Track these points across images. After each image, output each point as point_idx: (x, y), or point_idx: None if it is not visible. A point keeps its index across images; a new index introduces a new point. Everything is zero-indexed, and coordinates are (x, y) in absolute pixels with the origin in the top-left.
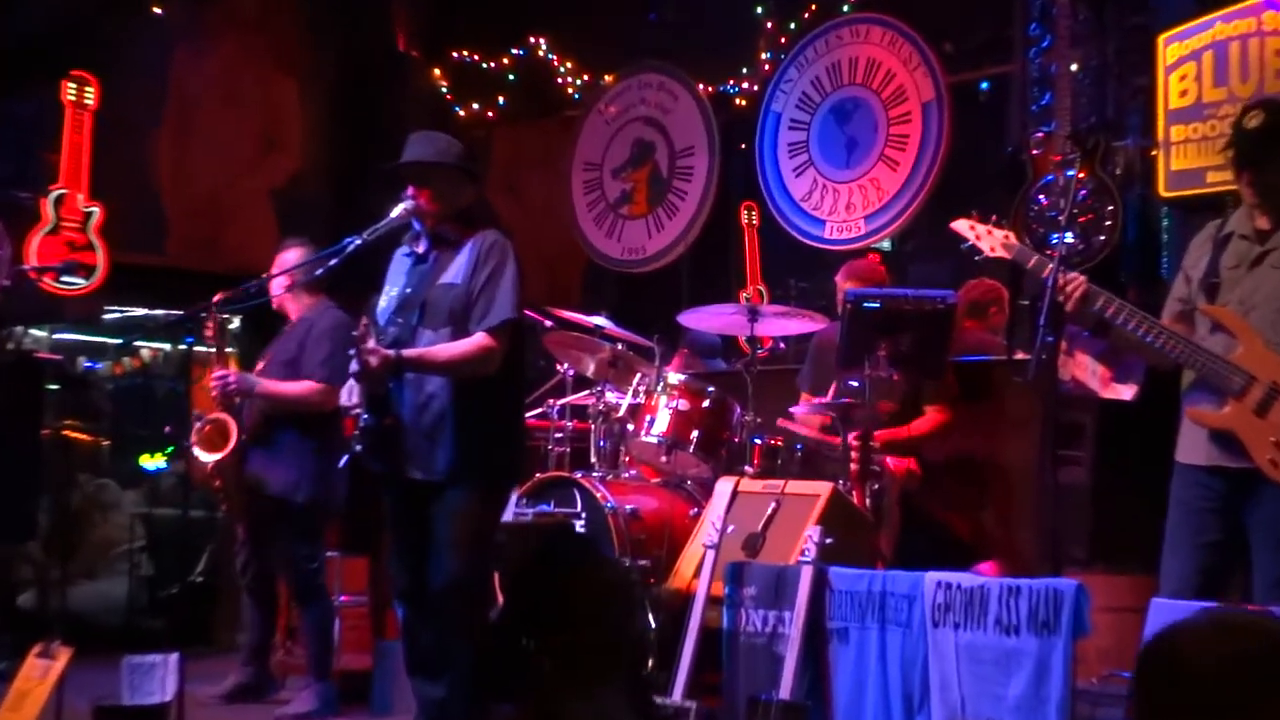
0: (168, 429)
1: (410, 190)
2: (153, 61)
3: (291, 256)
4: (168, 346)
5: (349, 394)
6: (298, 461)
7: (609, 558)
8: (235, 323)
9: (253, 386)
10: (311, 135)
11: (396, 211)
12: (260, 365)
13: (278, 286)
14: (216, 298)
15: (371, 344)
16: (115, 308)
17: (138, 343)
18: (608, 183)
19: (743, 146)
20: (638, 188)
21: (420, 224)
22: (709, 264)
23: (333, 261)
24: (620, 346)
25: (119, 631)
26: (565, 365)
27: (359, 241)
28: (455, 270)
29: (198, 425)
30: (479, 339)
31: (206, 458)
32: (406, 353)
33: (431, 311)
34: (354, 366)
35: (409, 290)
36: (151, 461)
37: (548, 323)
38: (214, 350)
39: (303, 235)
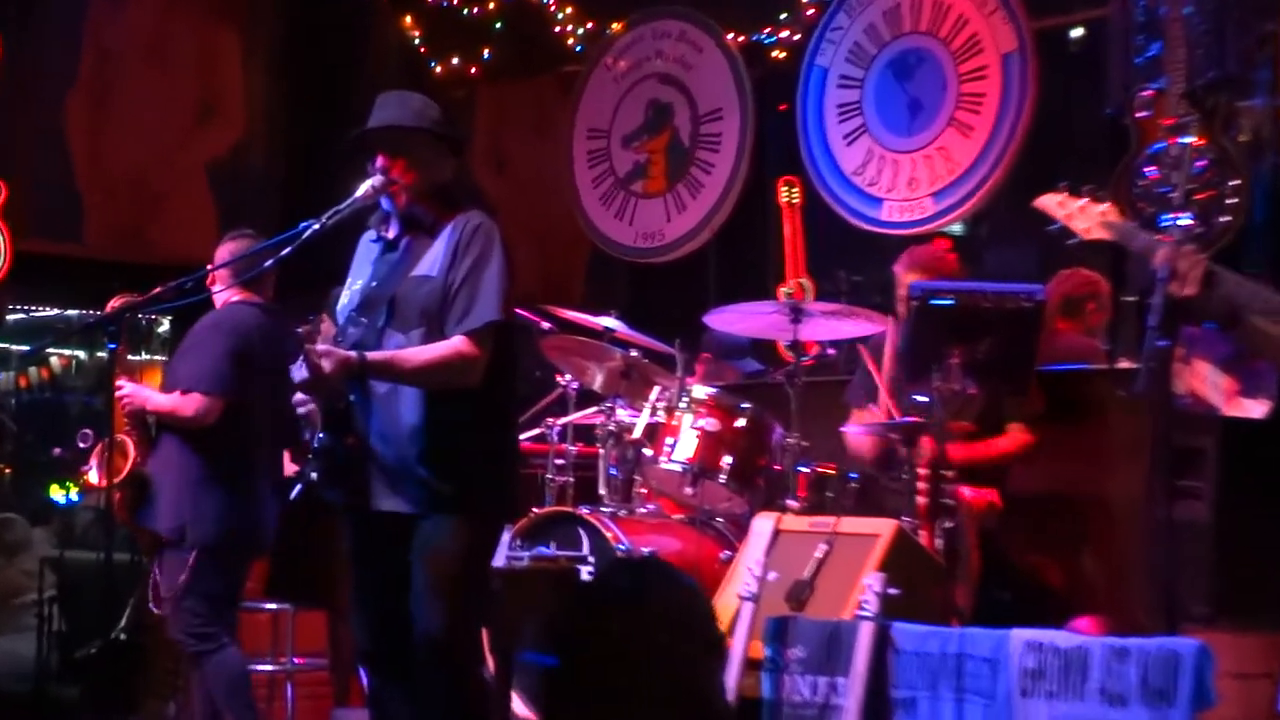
0: (57, 451)
1: (379, 161)
2: (65, 10)
3: (236, 249)
4: (83, 354)
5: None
6: (179, 490)
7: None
8: (165, 325)
9: (144, 401)
10: (257, 99)
11: (363, 189)
12: None
13: (219, 283)
14: (115, 302)
15: (323, 345)
16: (19, 307)
17: (47, 350)
18: (617, 153)
19: (781, 109)
20: (653, 160)
21: (390, 203)
22: (741, 252)
23: (284, 251)
24: (634, 353)
25: (26, 700)
26: (567, 376)
27: (316, 226)
28: (431, 260)
29: (98, 446)
30: (456, 344)
31: (95, 483)
32: (370, 356)
33: (402, 310)
34: (300, 372)
35: (375, 284)
36: (62, 493)
37: (545, 325)
38: (126, 357)
39: (248, 220)
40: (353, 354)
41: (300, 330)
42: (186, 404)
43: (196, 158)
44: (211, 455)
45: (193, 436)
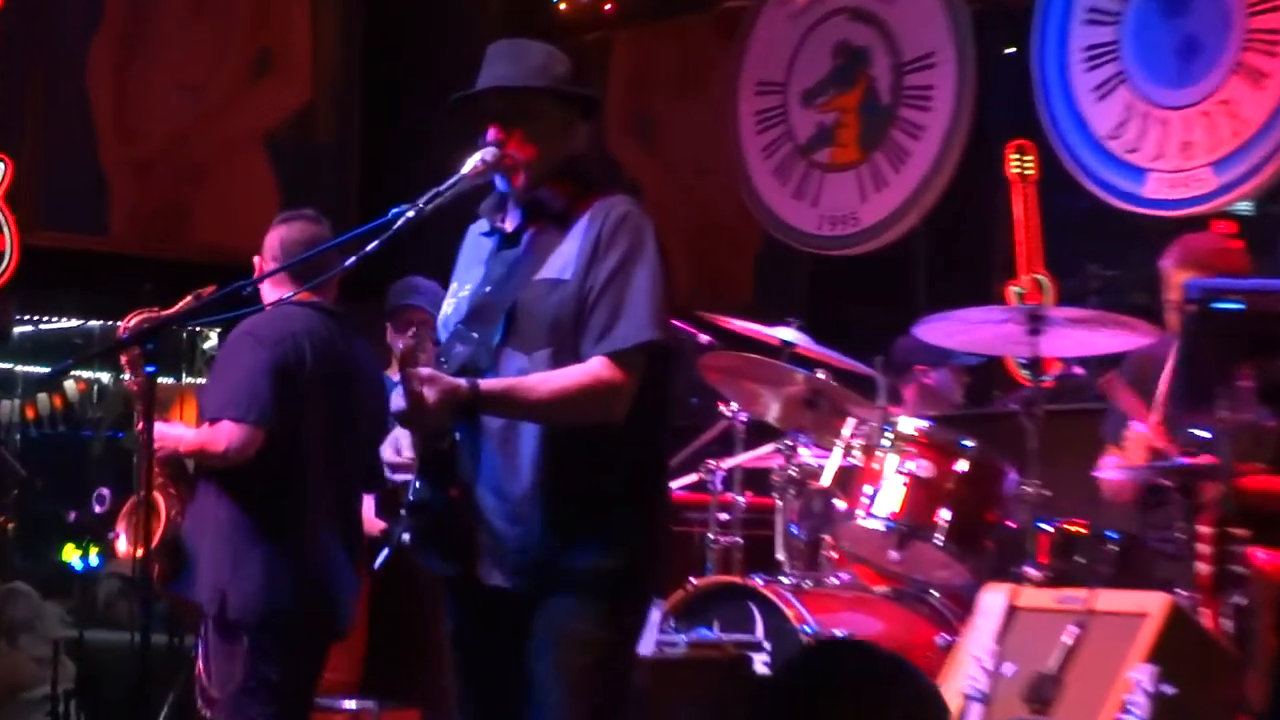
0: (73, 515)
1: (491, 132)
2: None
3: (291, 236)
4: (106, 377)
5: (394, 448)
6: (216, 549)
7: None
8: (212, 339)
9: (175, 443)
10: (328, 49)
11: (470, 165)
12: None
13: (271, 289)
14: (138, 316)
15: (427, 369)
16: (28, 317)
17: (63, 372)
18: (796, 114)
19: (1010, 52)
20: (844, 121)
21: (507, 185)
22: (959, 241)
23: (370, 247)
24: (821, 375)
25: None
26: (733, 405)
27: (411, 214)
28: (562, 259)
29: (126, 506)
30: (596, 368)
31: (124, 552)
32: (485, 384)
33: (524, 323)
34: (398, 402)
35: (488, 289)
36: (79, 555)
37: (704, 338)
38: (143, 390)
39: (317, 204)
40: (462, 381)
41: (400, 346)
42: (215, 436)
43: (252, 124)
44: (252, 502)
45: (229, 479)
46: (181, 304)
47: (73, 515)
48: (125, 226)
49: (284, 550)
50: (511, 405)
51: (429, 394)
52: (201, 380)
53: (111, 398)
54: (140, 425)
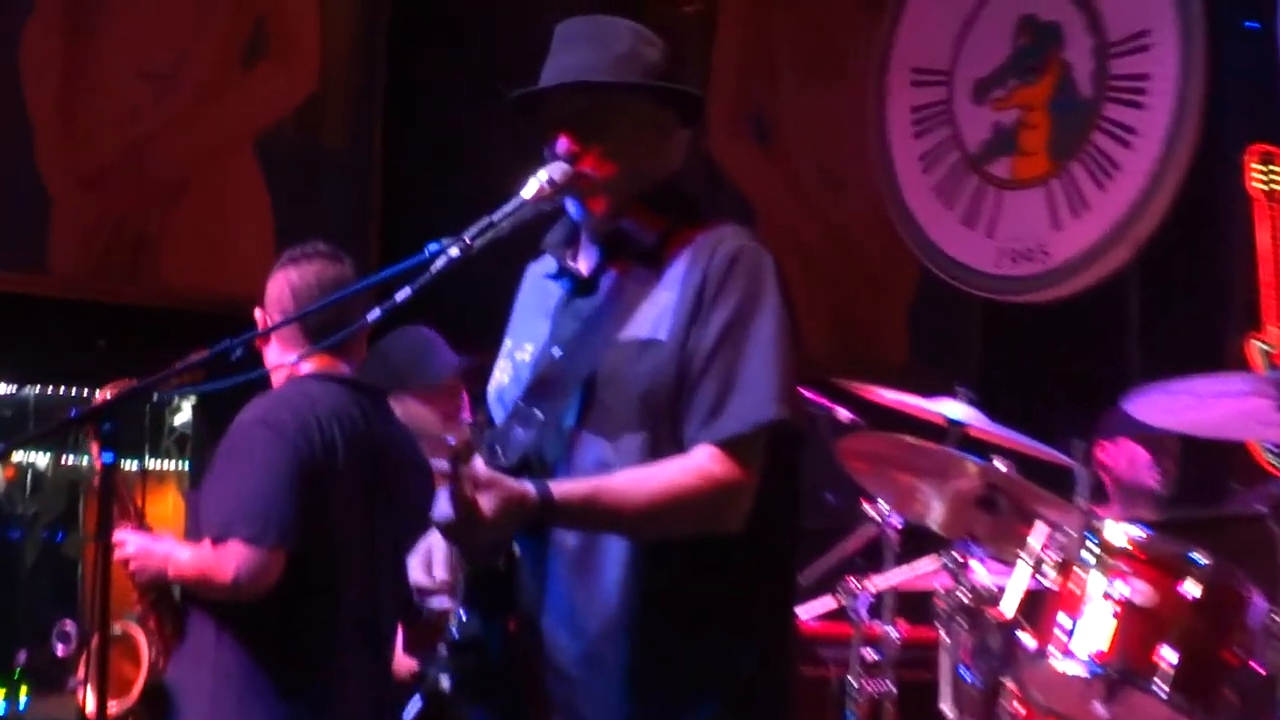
0: (22, 655)
1: (562, 143)
2: None
3: (305, 281)
4: (44, 459)
5: (424, 565)
6: (216, 704)
7: None
8: (184, 411)
9: (160, 563)
10: (340, 27)
11: (533, 187)
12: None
13: (278, 351)
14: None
15: (484, 469)
16: None
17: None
18: (964, 111)
19: (1251, 28)
20: (1030, 121)
21: (582, 212)
22: (1183, 281)
23: (400, 295)
24: (1000, 464)
25: None
26: (881, 504)
27: (455, 251)
28: (655, 312)
29: (88, 649)
30: (706, 462)
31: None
32: (560, 491)
33: (606, 399)
34: (443, 510)
35: (557, 351)
36: (4, 698)
37: (843, 414)
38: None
39: (323, 231)
40: (530, 488)
41: (450, 439)
42: (222, 562)
43: (240, 124)
44: (263, 644)
45: (232, 613)
46: (162, 375)
47: (22, 655)
48: (71, 261)
49: (303, 710)
50: (594, 516)
51: (486, 503)
52: (169, 463)
53: (50, 488)
54: (92, 525)
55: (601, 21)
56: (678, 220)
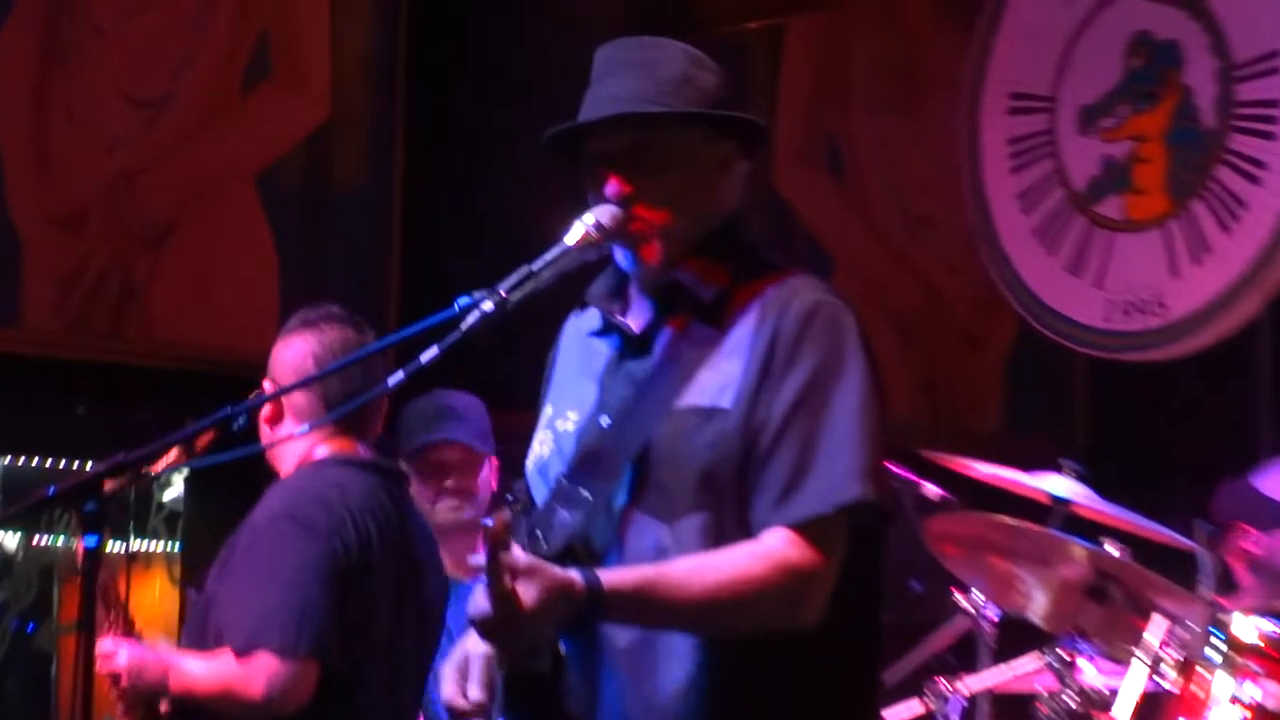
0: None
1: (611, 184)
2: None
3: (327, 346)
4: (11, 542)
5: (458, 680)
6: None
7: None
8: (175, 486)
9: (157, 679)
10: (354, 44)
11: (576, 234)
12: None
13: (289, 420)
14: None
15: (524, 556)
16: None
17: None
18: (1070, 143)
19: None
20: (1144, 154)
21: (633, 262)
22: None
23: (425, 356)
24: (1113, 548)
25: None
26: (976, 596)
27: (489, 305)
28: (719, 376)
29: None
30: (781, 548)
31: None
32: (610, 580)
33: (663, 475)
34: (479, 605)
35: (607, 422)
36: None
37: (930, 490)
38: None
39: (336, 286)
40: (576, 576)
41: (487, 521)
42: (250, 676)
43: (240, 159)
44: None
45: None
46: (152, 447)
47: None
48: (47, 314)
49: None
50: (650, 609)
51: (527, 594)
52: (156, 545)
53: (21, 573)
54: (72, 615)
55: (649, 43)
56: (741, 270)
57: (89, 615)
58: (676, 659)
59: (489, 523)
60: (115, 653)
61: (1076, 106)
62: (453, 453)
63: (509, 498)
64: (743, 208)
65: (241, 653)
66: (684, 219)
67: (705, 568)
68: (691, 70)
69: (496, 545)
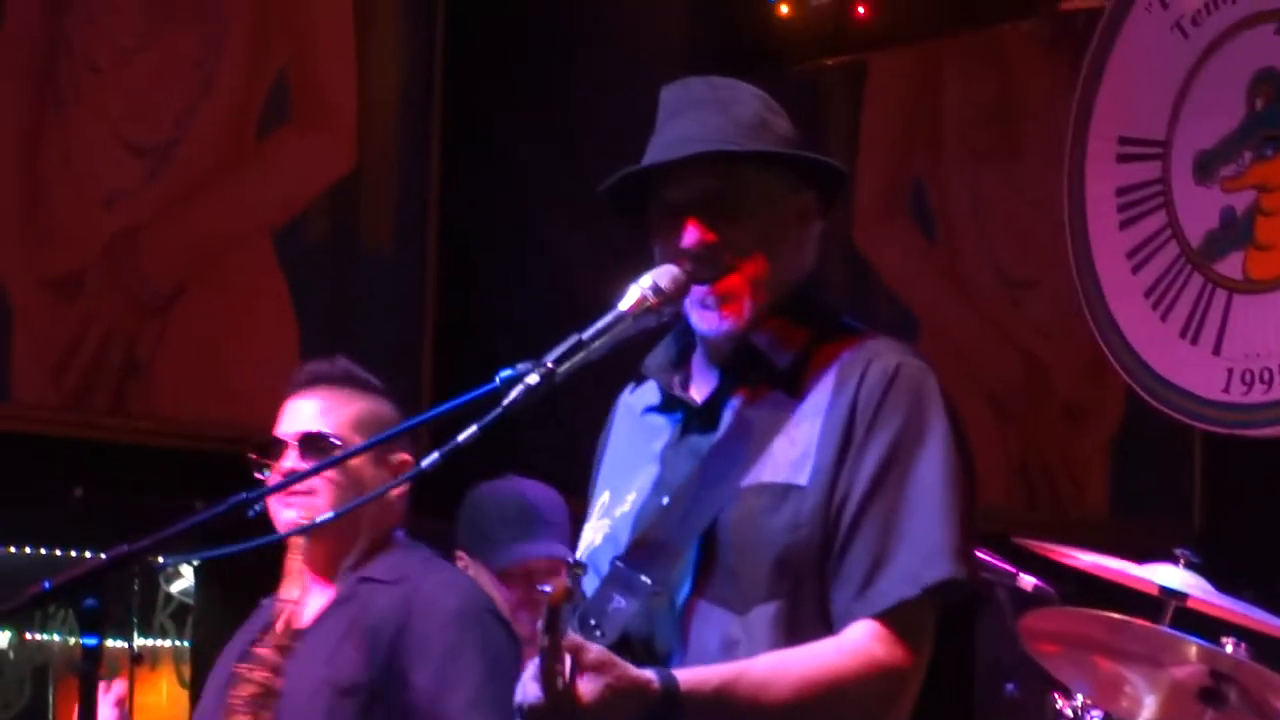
0: None
1: (690, 234)
2: None
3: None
4: (3, 639)
5: None
6: None
7: None
8: (185, 578)
9: None
10: (385, 82)
11: (632, 299)
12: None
13: (287, 509)
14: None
15: (594, 646)
16: None
17: None
18: (1185, 193)
19: None
20: (1269, 206)
21: (718, 326)
22: None
23: (464, 435)
24: (1231, 646)
25: None
26: (1078, 699)
27: (534, 379)
28: (793, 449)
29: None
30: (866, 643)
31: None
32: (687, 680)
33: (733, 560)
34: (530, 691)
35: (668, 502)
36: None
37: (1027, 581)
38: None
39: (362, 349)
40: (651, 675)
41: (545, 587)
42: None
43: (255, 213)
44: None
45: None
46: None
47: None
48: (39, 388)
49: None
50: (731, 714)
51: (589, 688)
52: (163, 642)
53: (12, 673)
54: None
55: (720, 84)
56: (819, 333)
57: (89, 713)
58: None
59: (547, 589)
60: None
61: (1193, 152)
62: (544, 563)
63: (570, 562)
64: (818, 271)
65: None
66: (769, 271)
67: (788, 667)
68: (765, 113)
69: (556, 616)
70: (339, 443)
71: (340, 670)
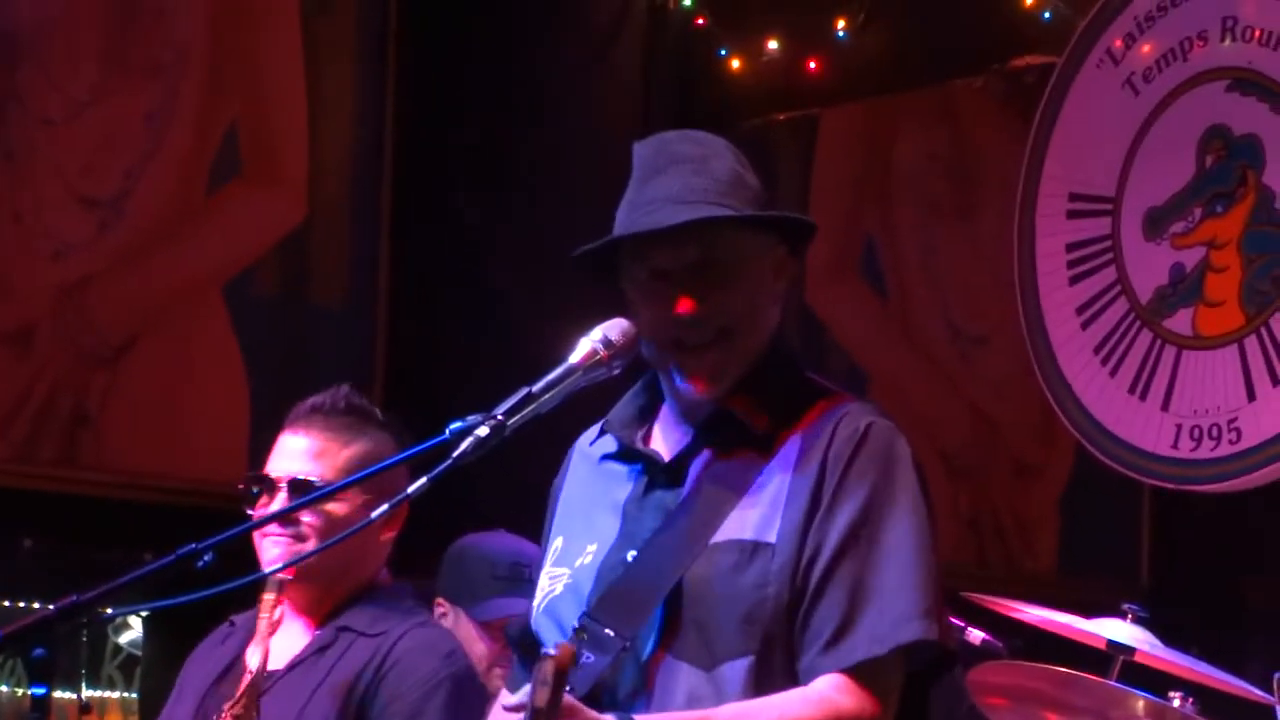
0: None
1: (683, 305)
2: None
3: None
4: None
5: None
6: None
7: None
8: (132, 630)
9: None
10: (338, 134)
11: (582, 352)
12: None
13: (274, 548)
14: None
15: (566, 698)
16: None
17: None
18: (1135, 250)
19: None
20: (1218, 263)
21: (685, 388)
22: None
23: (413, 487)
24: (1178, 700)
25: None
26: None
27: (484, 431)
28: (761, 508)
29: None
30: (832, 695)
31: None
32: None
33: (698, 616)
34: None
35: (631, 555)
36: None
37: (975, 636)
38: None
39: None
40: (609, 717)
41: (549, 649)
42: None
43: (205, 267)
44: None
45: None
46: (106, 587)
47: None
48: None
49: None
50: None
51: None
52: (111, 693)
53: None
54: None
55: (693, 138)
56: (791, 393)
57: None
58: None
59: (551, 651)
60: None
61: (1143, 209)
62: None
63: (576, 625)
64: (781, 322)
65: None
66: (751, 336)
67: (750, 713)
68: (739, 168)
69: (563, 678)
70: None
71: None
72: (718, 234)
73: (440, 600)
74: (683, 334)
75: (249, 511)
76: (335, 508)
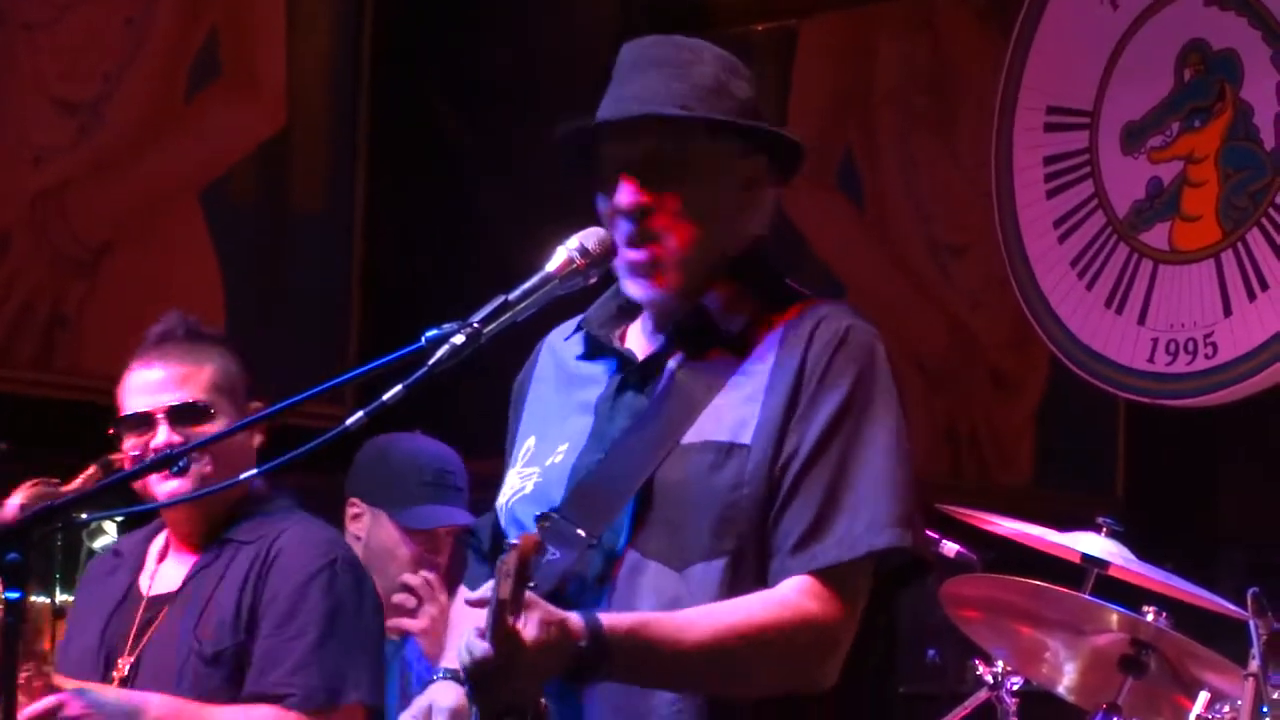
0: None
1: (625, 192)
2: None
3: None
4: None
5: None
6: None
7: None
8: (107, 534)
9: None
10: (315, 42)
11: (559, 260)
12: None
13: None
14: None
15: (533, 598)
16: None
17: None
18: (1112, 163)
19: None
20: (1195, 177)
21: (649, 291)
22: None
23: (389, 394)
24: (1152, 614)
25: None
26: (998, 666)
27: (460, 339)
28: (736, 409)
29: None
30: (798, 597)
31: None
32: (610, 621)
33: (670, 515)
34: (476, 649)
35: (603, 456)
36: None
37: (949, 548)
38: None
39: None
40: (574, 616)
41: (513, 539)
42: None
43: (183, 172)
44: None
45: None
46: (80, 480)
47: None
48: None
49: None
50: (653, 661)
51: (527, 631)
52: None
53: None
54: (23, 672)
55: (682, 44)
56: (768, 297)
57: (10, 677)
58: (684, 716)
59: (515, 541)
60: (67, 702)
61: (1120, 123)
62: (455, 530)
63: (538, 515)
64: (768, 233)
65: (325, 706)
66: (706, 240)
67: (712, 613)
68: (725, 76)
69: (526, 568)
70: (211, 410)
71: (205, 638)
72: (678, 134)
73: (354, 500)
74: (627, 229)
75: (131, 452)
76: (215, 429)
